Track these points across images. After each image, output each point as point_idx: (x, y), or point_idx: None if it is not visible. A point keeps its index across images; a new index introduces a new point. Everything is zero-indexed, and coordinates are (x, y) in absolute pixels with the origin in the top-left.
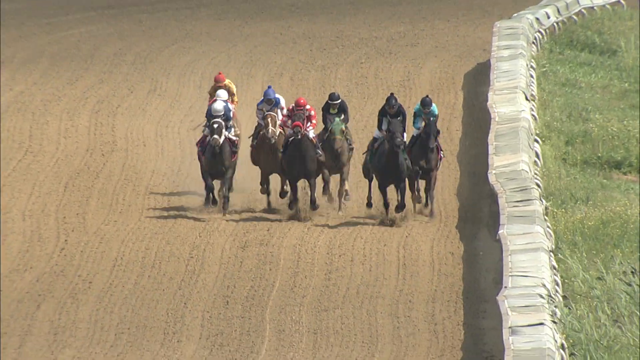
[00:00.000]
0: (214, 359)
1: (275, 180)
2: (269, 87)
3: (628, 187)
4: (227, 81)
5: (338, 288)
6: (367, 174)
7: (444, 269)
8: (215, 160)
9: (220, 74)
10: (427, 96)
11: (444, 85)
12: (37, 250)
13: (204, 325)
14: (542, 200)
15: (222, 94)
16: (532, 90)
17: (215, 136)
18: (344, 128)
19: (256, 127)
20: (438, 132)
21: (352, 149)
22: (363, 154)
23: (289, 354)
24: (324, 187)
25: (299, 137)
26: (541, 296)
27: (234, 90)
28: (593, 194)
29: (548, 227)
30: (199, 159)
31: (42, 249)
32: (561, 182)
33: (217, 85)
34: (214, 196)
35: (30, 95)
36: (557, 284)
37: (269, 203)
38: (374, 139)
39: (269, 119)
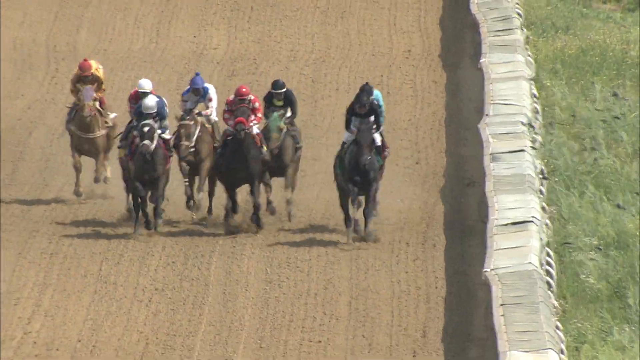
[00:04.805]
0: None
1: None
2: (197, 74)
3: (607, 16)
4: (93, 69)
5: (323, 117)
6: (345, 207)
7: (427, 98)
8: (146, 167)
9: (85, 60)
10: (367, 83)
11: None
12: (28, 78)
13: None
14: (523, 30)
15: (145, 83)
16: None
17: (146, 141)
18: (282, 125)
19: (179, 126)
20: (378, 127)
21: (299, 149)
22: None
23: None
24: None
25: (242, 135)
26: (522, 123)
27: (102, 78)
28: (573, 23)
29: (529, 55)
30: (123, 165)
31: (33, 77)
32: (542, 11)
33: (83, 74)
34: (145, 212)
35: None
36: (538, 112)
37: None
38: (343, 143)
39: (182, 131)
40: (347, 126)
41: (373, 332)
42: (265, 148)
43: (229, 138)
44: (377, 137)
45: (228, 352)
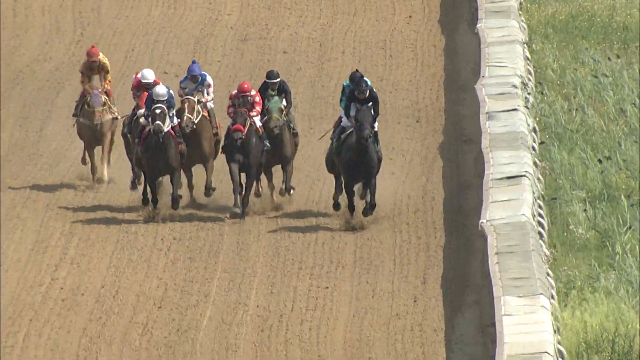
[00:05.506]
0: None
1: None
2: (194, 61)
3: None
4: (101, 56)
5: (330, 78)
6: (331, 167)
7: (427, 60)
8: (158, 156)
9: (93, 47)
10: (357, 70)
11: None
12: (55, 42)
13: None
14: None
15: (148, 73)
16: None
17: (158, 122)
18: (282, 107)
19: (178, 110)
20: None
21: (296, 135)
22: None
23: None
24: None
25: (239, 144)
26: (515, 85)
27: (108, 66)
28: None
29: (522, 21)
30: (130, 154)
31: (61, 41)
32: None
33: (91, 60)
34: (155, 197)
35: None
36: (530, 73)
37: (192, 199)
38: (342, 128)
39: (186, 104)
40: (347, 113)
41: (376, 278)
42: (267, 142)
43: (230, 135)
44: (376, 124)
45: (241, 297)
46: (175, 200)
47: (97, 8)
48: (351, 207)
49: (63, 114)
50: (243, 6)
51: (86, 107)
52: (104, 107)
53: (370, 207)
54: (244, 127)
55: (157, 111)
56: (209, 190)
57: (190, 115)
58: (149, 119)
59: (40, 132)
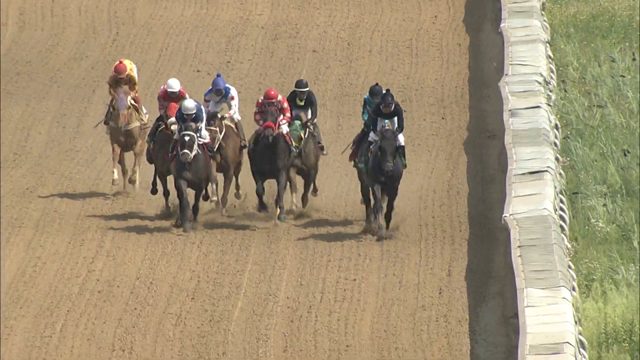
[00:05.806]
0: None
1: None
2: (218, 75)
3: None
4: (128, 69)
5: (358, 76)
6: (365, 195)
7: (452, 59)
8: (187, 170)
9: (120, 62)
10: (377, 84)
11: None
12: (91, 41)
13: None
14: None
15: (174, 82)
16: None
17: (186, 151)
18: (302, 135)
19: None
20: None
21: (322, 148)
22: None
23: None
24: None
25: (270, 140)
26: (538, 82)
27: (136, 79)
28: None
29: (544, 20)
30: (153, 161)
31: (96, 40)
32: None
33: (119, 76)
34: (186, 209)
35: None
36: (552, 72)
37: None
38: (369, 142)
39: (208, 134)
40: (374, 127)
41: (403, 271)
42: (294, 144)
43: (260, 137)
44: (401, 138)
45: (272, 289)
46: (195, 211)
47: (131, 8)
48: (376, 210)
49: (99, 111)
50: (273, 6)
51: (112, 109)
52: (130, 110)
53: (389, 209)
54: (275, 125)
55: (186, 138)
56: (218, 200)
57: (211, 144)
58: (179, 144)
59: (77, 128)
